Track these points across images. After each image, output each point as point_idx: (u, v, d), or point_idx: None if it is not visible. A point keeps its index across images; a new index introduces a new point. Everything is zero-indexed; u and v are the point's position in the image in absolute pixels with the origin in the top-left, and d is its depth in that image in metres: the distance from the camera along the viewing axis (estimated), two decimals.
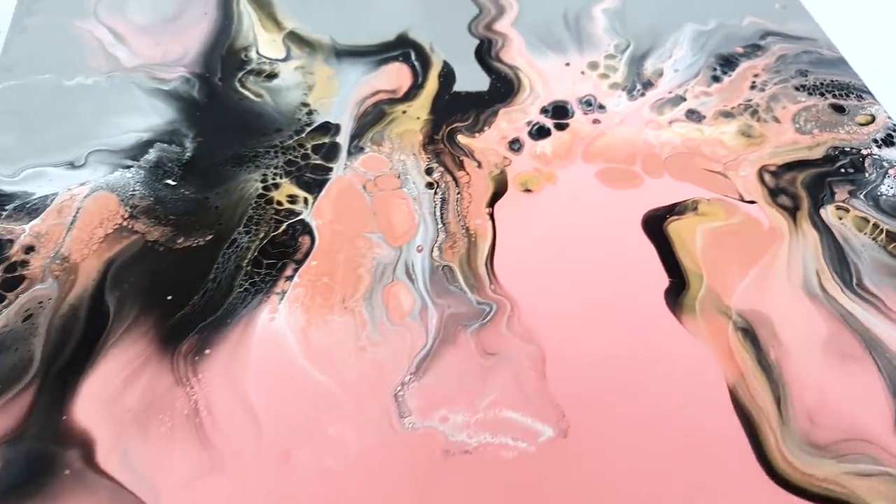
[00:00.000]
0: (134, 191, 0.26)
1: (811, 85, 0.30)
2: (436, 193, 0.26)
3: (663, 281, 0.24)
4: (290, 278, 0.23)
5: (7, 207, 0.25)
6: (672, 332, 0.23)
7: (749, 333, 0.23)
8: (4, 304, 0.23)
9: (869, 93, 0.30)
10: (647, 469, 0.20)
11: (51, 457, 0.20)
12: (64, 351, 0.22)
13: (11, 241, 0.24)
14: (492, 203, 0.26)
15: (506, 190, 0.26)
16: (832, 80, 0.31)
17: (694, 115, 0.29)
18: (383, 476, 0.20)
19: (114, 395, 0.21)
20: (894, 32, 0.35)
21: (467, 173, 0.27)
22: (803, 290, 0.24)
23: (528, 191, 0.26)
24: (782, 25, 0.33)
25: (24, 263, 0.24)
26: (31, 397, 0.21)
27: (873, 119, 0.29)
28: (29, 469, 0.20)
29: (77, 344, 0.22)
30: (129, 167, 0.26)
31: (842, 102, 0.30)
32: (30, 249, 0.24)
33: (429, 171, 0.27)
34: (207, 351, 0.22)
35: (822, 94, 0.30)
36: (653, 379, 0.22)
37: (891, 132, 0.29)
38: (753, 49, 0.32)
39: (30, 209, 0.25)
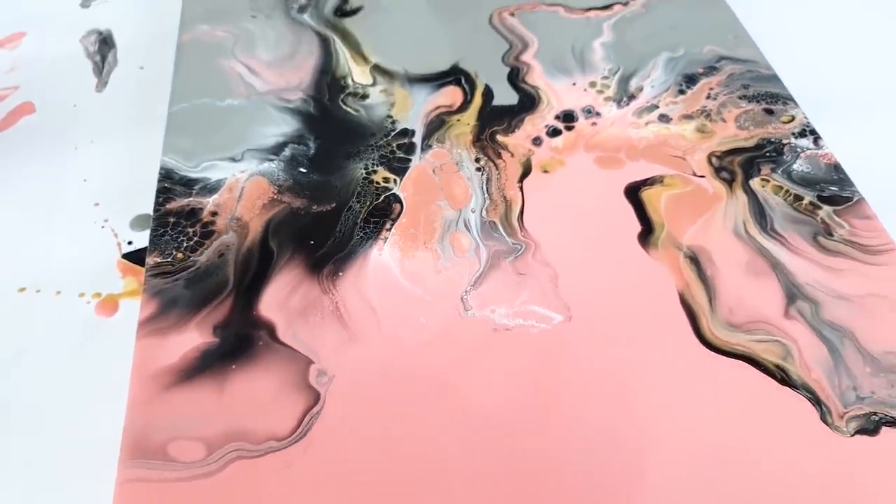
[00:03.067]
0: (278, 176, 0.38)
1: (751, 95, 0.42)
2: (482, 174, 0.38)
3: (637, 228, 0.35)
4: (388, 230, 0.35)
5: (195, 187, 0.37)
6: (642, 259, 0.34)
7: (693, 259, 0.34)
8: (204, 247, 0.35)
9: (793, 100, 0.41)
10: (622, 339, 0.31)
11: (248, 335, 0.32)
12: (247, 275, 0.34)
13: (202, 209, 0.36)
14: (521, 180, 0.37)
15: (531, 171, 0.38)
16: (766, 92, 0.42)
17: (664, 118, 0.40)
18: (455, 345, 0.31)
19: (284, 300, 0.33)
20: (814, 54, 0.46)
21: (504, 161, 0.38)
22: (733, 233, 0.35)
23: (545, 172, 0.38)
24: (733, 51, 0.44)
25: (212, 223, 0.36)
26: (231, 302, 0.33)
27: (793, 119, 0.40)
28: (236, 342, 0.31)
29: (255, 271, 0.34)
30: (272, 160, 0.39)
31: (771, 107, 0.41)
32: (214, 214, 0.36)
33: (477, 160, 0.39)
34: (340, 273, 0.34)
35: (757, 102, 0.41)
36: (629, 288, 0.33)
37: (804, 128, 0.40)
38: (710, 70, 0.43)
39: (210, 188, 0.37)
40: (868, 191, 0.37)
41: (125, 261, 0.39)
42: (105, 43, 0.54)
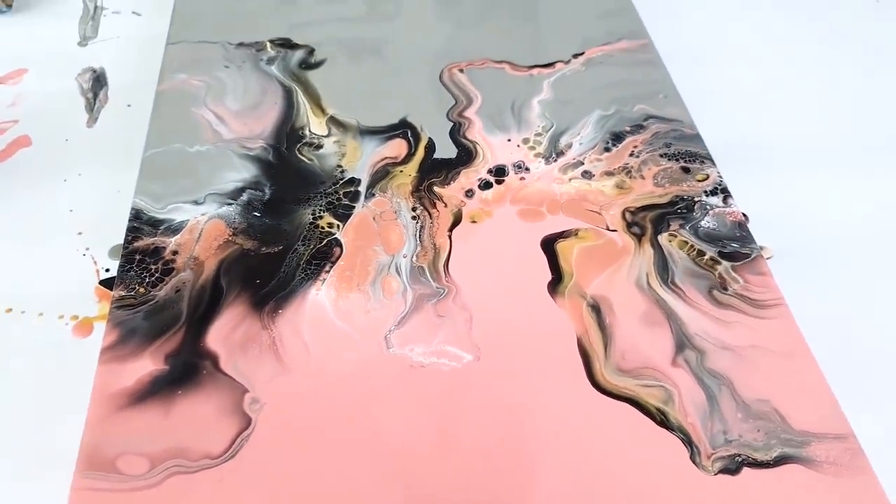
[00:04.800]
0: (234, 219, 0.42)
1: (671, 153, 0.46)
2: (417, 223, 0.42)
3: (548, 277, 0.39)
4: (327, 271, 0.40)
5: (160, 227, 0.42)
6: (548, 306, 0.38)
7: (595, 308, 0.38)
8: (164, 283, 0.39)
9: (710, 159, 0.45)
10: (521, 379, 0.35)
11: (195, 364, 0.36)
12: (199, 309, 0.38)
13: (165, 248, 0.41)
14: (451, 229, 0.41)
15: (461, 221, 0.42)
16: (686, 150, 0.46)
17: (587, 174, 0.44)
18: (375, 379, 0.36)
19: (228, 334, 0.37)
20: (742, 114, 0.50)
21: (438, 210, 0.43)
22: (635, 284, 0.39)
23: (474, 222, 0.42)
24: (661, 110, 0.48)
25: (172, 261, 0.40)
26: (183, 334, 0.37)
27: (707, 177, 0.44)
28: (183, 370, 0.36)
29: (206, 306, 0.38)
30: (230, 204, 0.43)
31: (689, 165, 0.45)
32: (174, 252, 0.41)
33: (414, 209, 0.43)
34: (280, 311, 0.38)
35: (677, 160, 0.45)
36: (534, 332, 0.37)
37: (716, 185, 0.44)
38: (637, 128, 0.47)
39: (174, 229, 0.42)
40: (776, 243, 0.41)
41: (101, 287, 0.43)
42: (98, 81, 0.58)
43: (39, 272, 0.44)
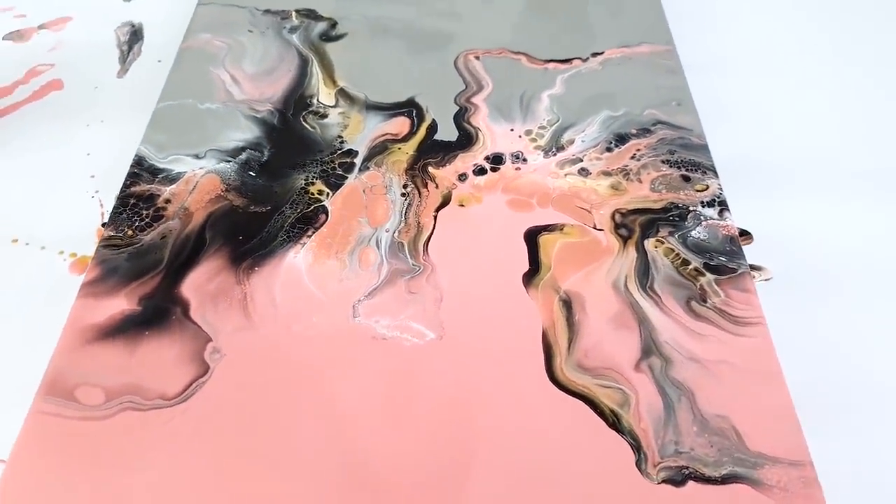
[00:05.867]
0: (230, 176, 0.43)
1: (674, 161, 0.45)
2: (406, 199, 0.42)
3: (525, 267, 0.39)
4: (309, 236, 0.40)
5: (159, 176, 0.43)
6: (520, 296, 0.38)
7: (567, 303, 0.38)
8: (151, 229, 0.40)
9: (714, 170, 0.45)
10: (479, 363, 0.35)
11: (167, 309, 0.37)
12: (180, 257, 0.39)
13: (158, 196, 0.42)
14: (438, 210, 0.42)
15: (448, 203, 0.42)
16: (690, 160, 0.45)
17: (583, 172, 0.44)
18: (336, 346, 0.36)
19: (203, 283, 0.38)
20: (757, 131, 0.49)
21: (428, 191, 0.43)
22: (612, 285, 0.39)
23: (462, 206, 0.42)
24: (672, 117, 0.48)
25: (164, 209, 0.41)
26: (160, 279, 0.38)
27: (707, 188, 0.44)
28: (154, 312, 0.37)
29: (187, 255, 0.39)
30: (229, 161, 0.44)
31: (690, 174, 0.44)
32: (167, 201, 0.42)
33: (405, 186, 0.43)
34: (257, 268, 0.39)
35: (678, 168, 0.45)
36: (500, 319, 0.37)
37: (714, 198, 0.43)
38: (644, 132, 0.47)
39: (171, 179, 0.43)
40: (775, 266, 0.40)
41: (104, 229, 0.45)
42: (135, 35, 0.60)
43: (49, 208, 0.46)
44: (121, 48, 0.59)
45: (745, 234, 0.43)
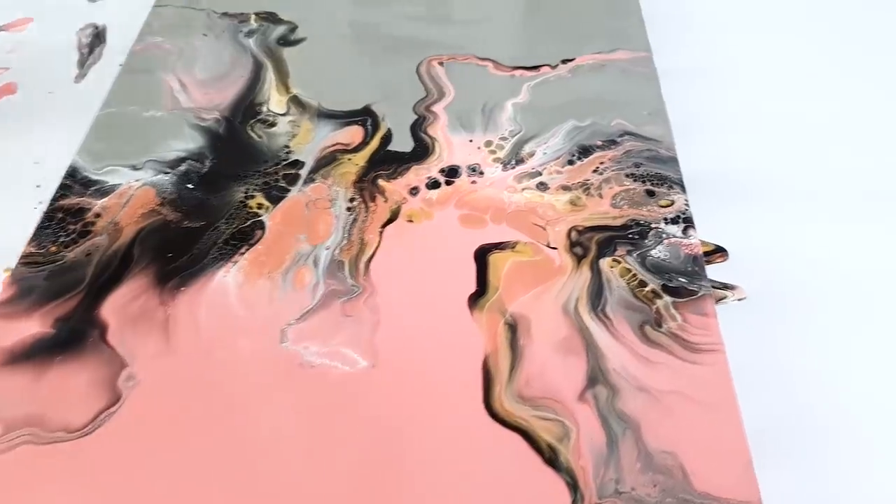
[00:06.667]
0: (166, 189, 0.41)
1: (639, 174, 0.42)
2: (351, 214, 0.40)
3: (472, 288, 0.37)
4: (242, 254, 0.38)
5: (91, 189, 0.41)
6: (464, 320, 0.35)
7: (512, 327, 0.35)
8: (77, 245, 0.38)
9: (681, 185, 0.42)
10: (413, 394, 0.33)
11: (83, 331, 0.35)
12: (103, 276, 0.37)
13: (88, 210, 0.40)
14: (384, 226, 0.39)
15: (396, 218, 0.40)
16: (656, 173, 0.42)
17: (542, 186, 0.41)
18: (259, 373, 0.34)
19: (125, 304, 0.36)
20: (727, 144, 0.46)
21: (376, 205, 0.40)
22: (561, 308, 0.36)
23: (410, 221, 0.40)
24: (640, 128, 0.45)
25: (92, 224, 0.39)
26: (80, 298, 0.36)
27: (672, 203, 0.41)
28: (70, 335, 0.35)
29: (111, 273, 0.37)
30: (167, 173, 0.42)
31: (654, 189, 0.41)
32: (97, 216, 0.40)
33: (351, 200, 0.41)
34: (183, 288, 0.36)
35: (643, 182, 0.42)
36: (440, 346, 0.34)
37: (679, 214, 0.40)
38: (610, 143, 0.44)
39: (104, 191, 0.41)
40: (749, 284, 0.37)
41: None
42: (98, 38, 0.58)
43: None
44: (81, 51, 0.57)
45: (720, 250, 0.40)
